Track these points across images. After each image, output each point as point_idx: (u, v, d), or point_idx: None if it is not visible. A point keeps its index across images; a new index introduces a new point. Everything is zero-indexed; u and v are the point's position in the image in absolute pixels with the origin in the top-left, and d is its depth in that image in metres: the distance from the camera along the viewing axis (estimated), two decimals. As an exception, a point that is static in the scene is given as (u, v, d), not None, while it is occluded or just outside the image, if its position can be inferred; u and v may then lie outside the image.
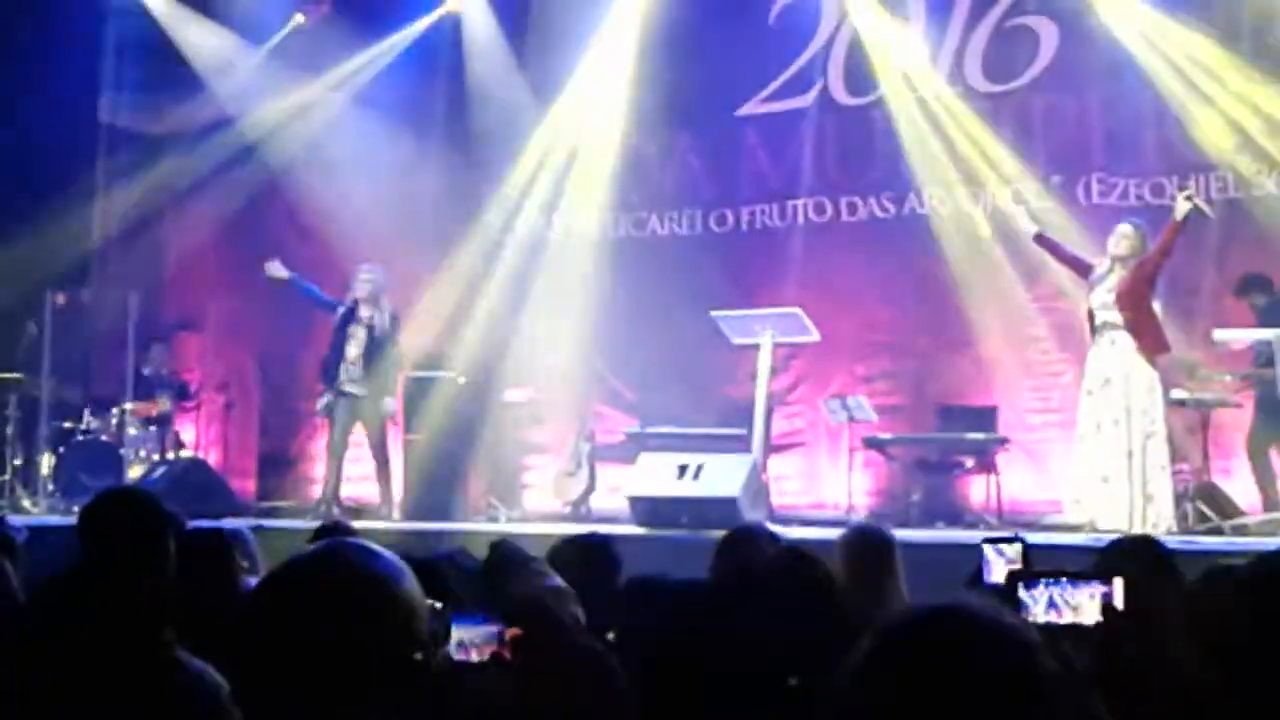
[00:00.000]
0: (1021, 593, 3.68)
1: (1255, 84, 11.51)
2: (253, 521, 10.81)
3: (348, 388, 11.68)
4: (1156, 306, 9.65)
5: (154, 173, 14.55)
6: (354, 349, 11.69)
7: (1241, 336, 10.05)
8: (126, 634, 2.90)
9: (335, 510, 11.42)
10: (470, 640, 3.07)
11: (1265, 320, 10.31)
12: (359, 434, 11.87)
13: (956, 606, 1.84)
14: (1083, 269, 9.94)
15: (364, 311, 11.71)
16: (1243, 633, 2.45)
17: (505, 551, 4.18)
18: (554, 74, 13.92)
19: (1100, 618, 3.58)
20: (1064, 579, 3.68)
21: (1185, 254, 10.94)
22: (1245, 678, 2.36)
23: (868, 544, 5.32)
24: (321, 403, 11.91)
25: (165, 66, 14.30)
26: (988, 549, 4.87)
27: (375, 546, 2.05)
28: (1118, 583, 3.63)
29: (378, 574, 1.99)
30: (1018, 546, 4.83)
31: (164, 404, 13.24)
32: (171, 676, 2.85)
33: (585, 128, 13.76)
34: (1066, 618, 3.62)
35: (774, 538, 5.49)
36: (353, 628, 1.94)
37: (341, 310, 11.78)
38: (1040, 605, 3.64)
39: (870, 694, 1.78)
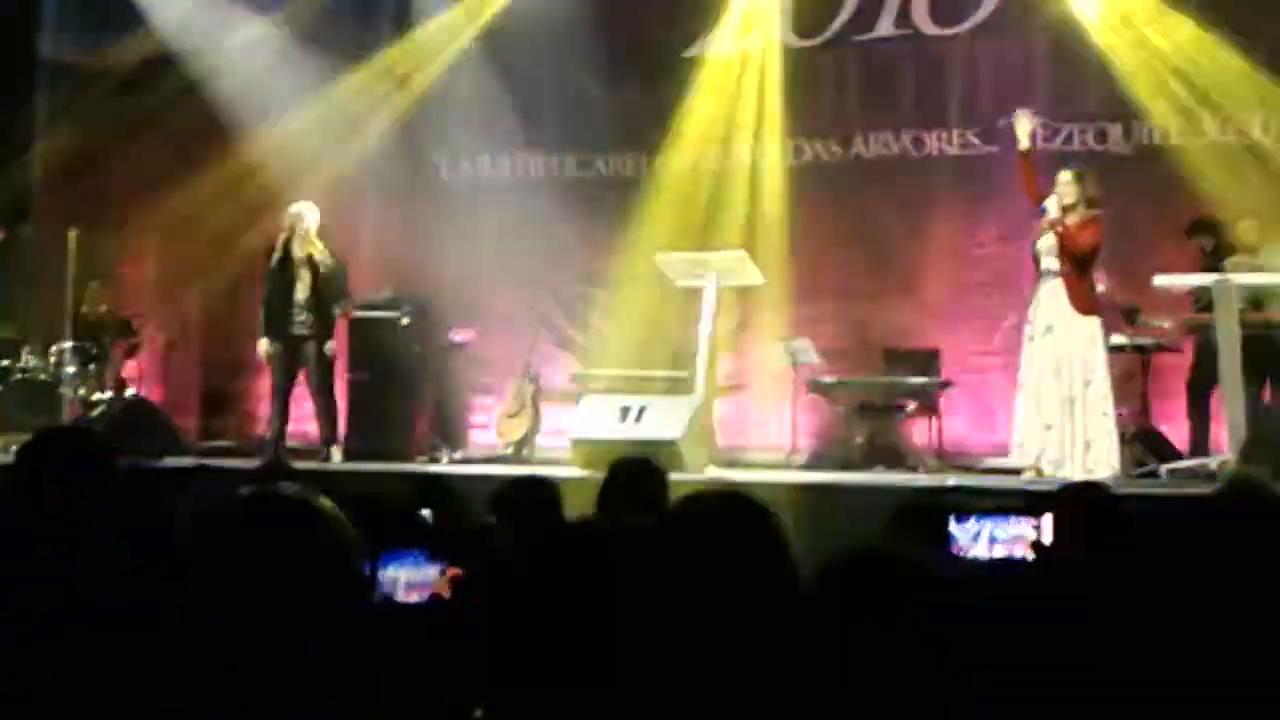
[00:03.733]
0: (953, 527, 3.69)
1: (1193, 32, 11.62)
2: (195, 461, 10.78)
3: (297, 330, 11.46)
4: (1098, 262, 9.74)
5: (95, 109, 14.38)
6: (301, 291, 11.46)
7: (1181, 281, 10.12)
8: (62, 574, 2.89)
9: (277, 451, 11.37)
10: (410, 580, 3.07)
11: (1208, 262, 10.41)
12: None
13: (887, 551, 1.87)
14: (1037, 203, 9.91)
15: (301, 251, 11.44)
16: (1177, 576, 2.48)
17: (438, 490, 4.18)
18: (500, 12, 13.82)
19: (1031, 553, 3.61)
20: (996, 514, 3.69)
21: (1125, 200, 11.05)
22: (1178, 621, 2.39)
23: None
24: (265, 346, 11.64)
25: (108, 1, 14.11)
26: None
27: (309, 490, 2.04)
28: (1046, 519, 3.66)
29: (311, 516, 1.98)
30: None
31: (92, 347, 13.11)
32: (108, 616, 2.84)
33: (530, 67, 13.64)
34: (997, 552, 3.65)
35: (662, 475, 5.55)
36: (287, 570, 1.93)
37: (277, 251, 11.52)
38: (967, 538, 3.66)
39: (813, 630, 1.80)
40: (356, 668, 1.99)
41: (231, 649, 1.93)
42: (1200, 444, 10.44)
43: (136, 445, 10.25)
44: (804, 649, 1.80)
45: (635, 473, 5.50)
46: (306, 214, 11.47)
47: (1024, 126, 10.09)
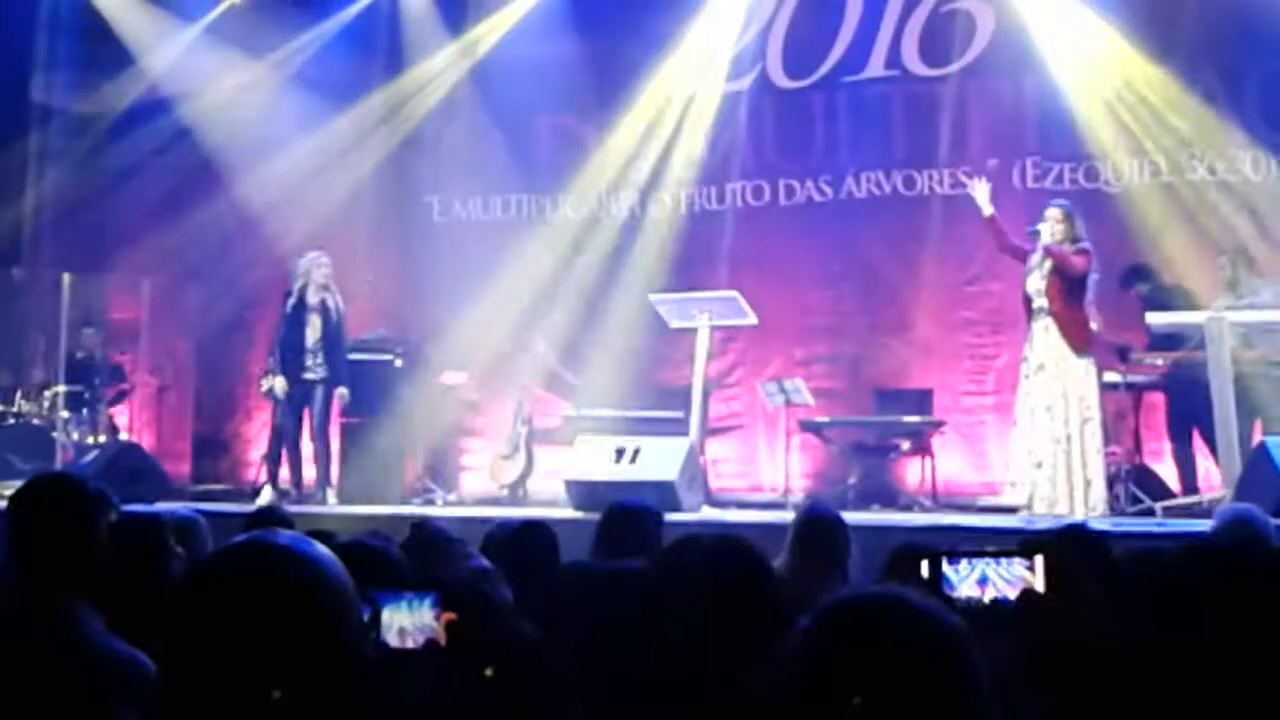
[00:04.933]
0: (945, 567, 3.67)
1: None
2: (187, 505, 10.76)
3: (308, 374, 11.67)
4: (1089, 300, 9.73)
5: (88, 152, 14.40)
6: (312, 335, 11.67)
7: (1174, 320, 10.14)
8: (53, 621, 2.88)
9: (279, 494, 11.41)
10: (405, 625, 3.06)
11: (1150, 308, 10.42)
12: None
13: (890, 594, 1.86)
14: (1022, 257, 9.98)
15: (315, 298, 11.67)
16: (1171, 618, 2.47)
17: (428, 533, 4.17)
18: (492, 55, 13.87)
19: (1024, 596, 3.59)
20: (988, 557, 3.68)
21: (1120, 238, 11.10)
22: (1173, 664, 2.38)
23: (817, 526, 5.39)
24: (280, 387, 11.76)
25: (100, 45, 14.14)
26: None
27: (303, 536, 2.04)
28: (1038, 561, 3.64)
29: (307, 563, 1.98)
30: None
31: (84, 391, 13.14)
32: (100, 663, 2.83)
33: (521, 109, 13.69)
34: (989, 594, 3.63)
35: (657, 517, 5.56)
36: (282, 618, 1.92)
37: (292, 297, 11.71)
38: (960, 580, 3.65)
39: (805, 675, 1.79)
40: (358, 716, 1.98)
41: (228, 700, 1.92)
42: (1188, 481, 10.43)
43: (127, 491, 10.23)
44: (796, 691, 1.79)
45: (632, 517, 5.50)
46: (321, 262, 11.67)
47: (982, 194, 10.13)
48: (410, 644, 3.09)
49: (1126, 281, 11.09)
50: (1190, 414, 10.28)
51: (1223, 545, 3.09)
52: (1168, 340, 10.37)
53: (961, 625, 1.81)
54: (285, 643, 1.91)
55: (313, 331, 11.69)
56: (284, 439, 11.86)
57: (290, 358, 11.71)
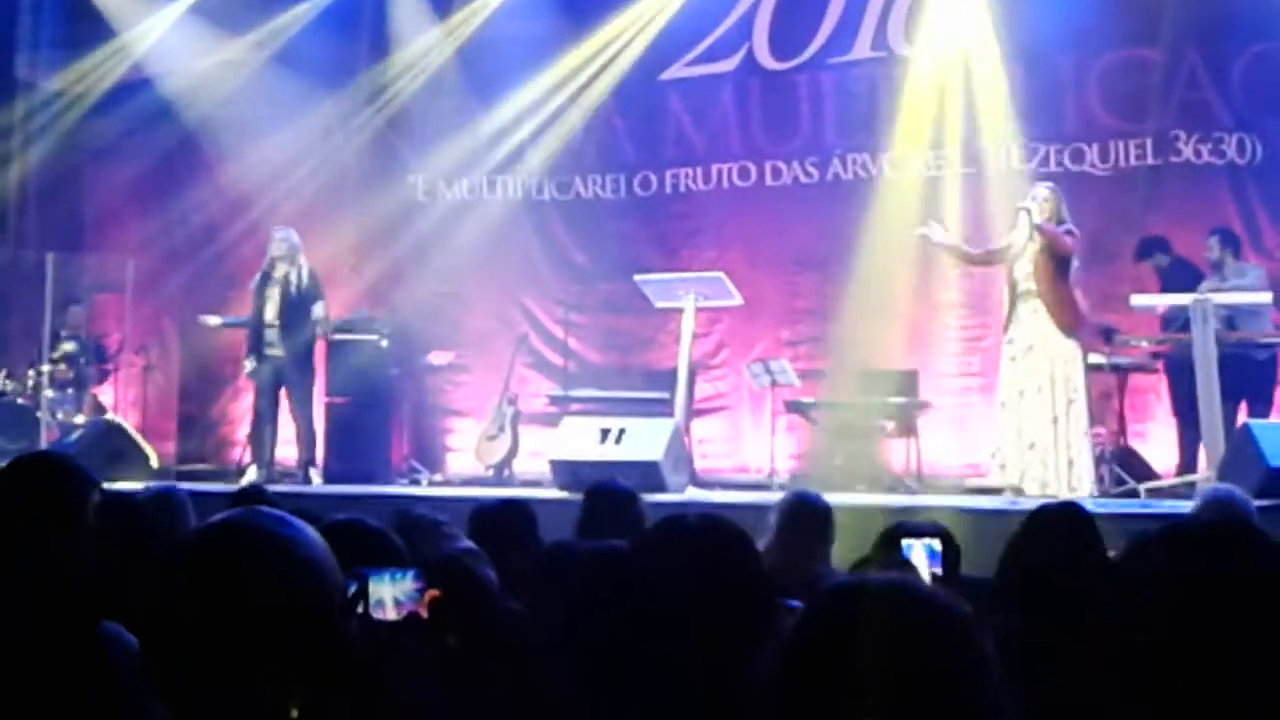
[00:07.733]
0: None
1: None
2: (172, 484, 10.72)
3: (269, 350, 11.58)
4: (1073, 278, 9.71)
5: (72, 131, 14.36)
6: (271, 310, 11.59)
7: (1159, 301, 10.15)
8: (43, 600, 2.87)
9: (264, 474, 11.38)
10: (384, 598, 3.06)
11: (1167, 281, 10.43)
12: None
13: (893, 581, 1.86)
14: (992, 259, 10.02)
15: (279, 272, 11.59)
16: (1164, 597, 2.48)
17: (412, 519, 4.16)
18: (477, 35, 13.83)
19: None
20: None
21: (1103, 220, 11.09)
22: (1164, 644, 2.38)
23: (805, 511, 5.40)
24: (249, 368, 11.78)
25: (83, 23, 14.08)
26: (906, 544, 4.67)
27: (286, 514, 2.04)
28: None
29: (289, 540, 1.98)
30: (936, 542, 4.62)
31: (69, 371, 13.11)
32: (88, 641, 2.82)
33: (507, 89, 13.66)
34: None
35: (633, 497, 5.57)
36: (264, 594, 1.93)
37: (259, 275, 11.70)
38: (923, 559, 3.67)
39: (805, 662, 1.79)
40: (345, 688, 1.98)
41: (213, 679, 1.92)
42: (1188, 462, 10.37)
43: (112, 469, 10.22)
44: (794, 674, 1.79)
45: (610, 497, 5.51)
46: (286, 238, 11.62)
47: (937, 233, 10.25)
48: (391, 617, 3.09)
49: (1144, 254, 11.05)
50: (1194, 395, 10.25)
51: (1202, 524, 3.09)
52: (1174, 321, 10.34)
53: (968, 611, 1.81)
54: (267, 618, 1.91)
55: (271, 307, 11.59)
56: (262, 419, 11.80)
57: (255, 335, 11.67)
